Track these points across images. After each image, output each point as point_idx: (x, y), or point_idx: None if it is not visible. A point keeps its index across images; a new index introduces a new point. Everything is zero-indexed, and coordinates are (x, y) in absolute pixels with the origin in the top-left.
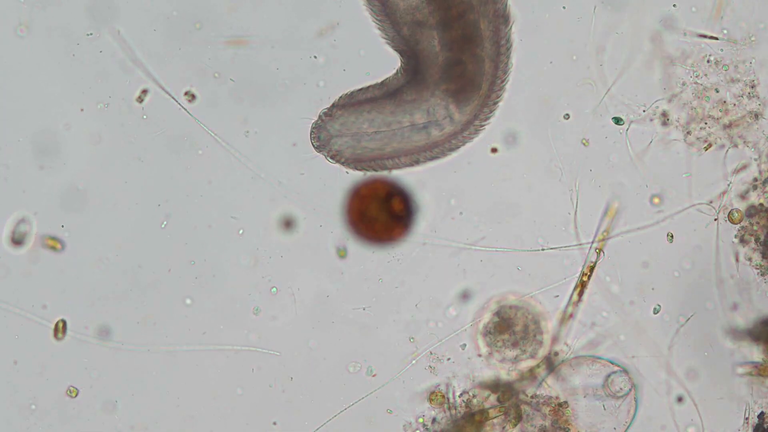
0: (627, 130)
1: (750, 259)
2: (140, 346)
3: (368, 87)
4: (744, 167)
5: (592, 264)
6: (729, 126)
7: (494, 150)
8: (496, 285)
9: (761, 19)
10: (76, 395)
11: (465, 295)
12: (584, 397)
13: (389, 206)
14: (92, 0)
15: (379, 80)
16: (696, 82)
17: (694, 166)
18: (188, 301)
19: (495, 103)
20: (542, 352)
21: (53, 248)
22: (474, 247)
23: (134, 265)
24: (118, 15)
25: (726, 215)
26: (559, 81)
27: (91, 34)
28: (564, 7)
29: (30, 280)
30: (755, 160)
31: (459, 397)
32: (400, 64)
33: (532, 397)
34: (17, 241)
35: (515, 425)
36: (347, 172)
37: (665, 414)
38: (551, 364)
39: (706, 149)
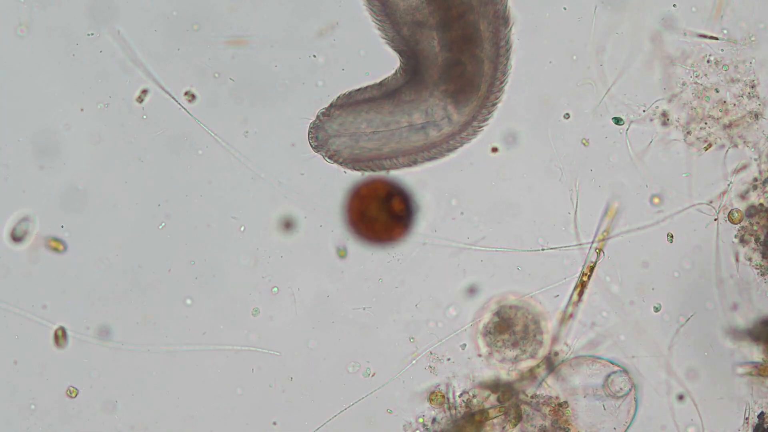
0: (627, 130)
1: (750, 259)
2: (140, 346)
3: (366, 87)
4: (744, 167)
5: (592, 264)
6: (729, 126)
7: (495, 149)
8: (496, 285)
9: (761, 19)
10: (76, 395)
11: (472, 290)
12: (584, 397)
13: (389, 206)
14: (92, 0)
15: (378, 80)
16: (696, 82)
17: (694, 166)
18: (188, 302)
19: (493, 105)
20: (542, 352)
21: (56, 249)
22: (474, 247)
23: (134, 265)
24: (118, 15)
25: (726, 215)
26: (559, 81)
27: (92, 34)
28: (565, 8)
29: (30, 280)
30: (755, 160)
31: (459, 397)
32: (399, 64)
33: (532, 397)
34: (17, 237)
35: (515, 425)
36: (345, 172)
37: (665, 414)
38: (551, 364)
39: (706, 149)
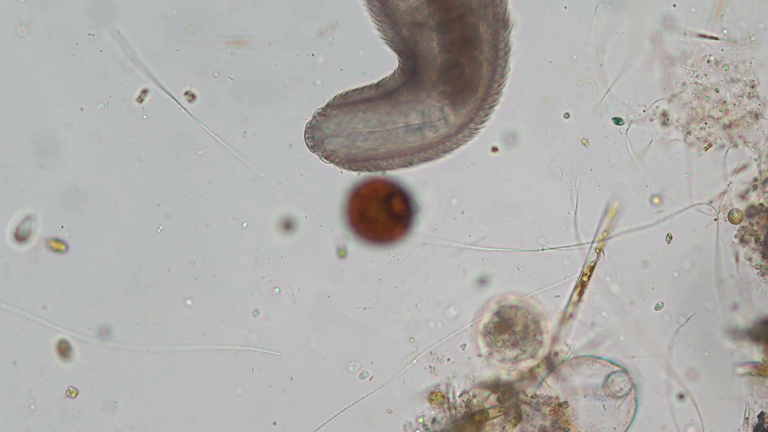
0: (627, 130)
1: (750, 259)
2: (140, 346)
3: (363, 87)
4: (744, 167)
5: (592, 264)
6: (729, 126)
7: (495, 149)
8: (496, 285)
9: (761, 19)
10: (76, 395)
11: (482, 281)
12: (584, 397)
13: (389, 206)
14: (92, 0)
15: (375, 81)
16: (696, 82)
17: (694, 166)
18: (188, 302)
19: (491, 107)
20: (542, 352)
21: (57, 250)
22: (474, 247)
23: (134, 265)
24: (118, 15)
25: (726, 215)
26: (559, 81)
27: (92, 34)
28: (565, 7)
29: (30, 280)
30: (755, 160)
31: (459, 397)
32: (397, 65)
33: (532, 397)
34: (21, 237)
35: (515, 425)
36: (341, 172)
37: (665, 414)
38: (551, 364)
39: (706, 149)
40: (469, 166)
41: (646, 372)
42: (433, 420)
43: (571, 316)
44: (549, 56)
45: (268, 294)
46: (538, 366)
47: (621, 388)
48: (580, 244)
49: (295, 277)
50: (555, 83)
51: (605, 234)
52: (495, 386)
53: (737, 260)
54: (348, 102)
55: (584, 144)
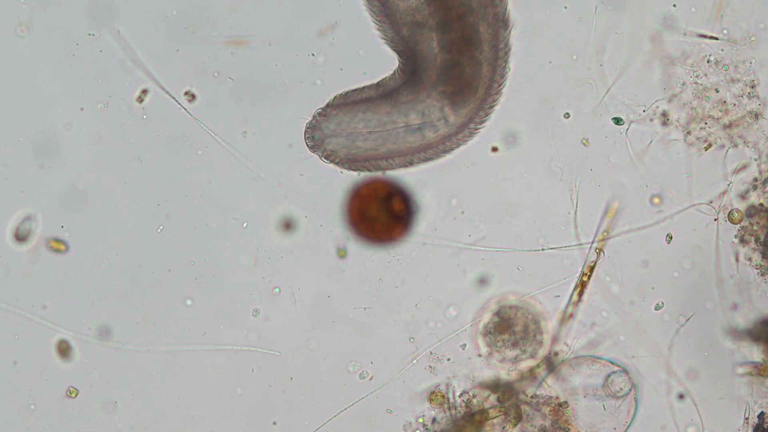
0: (627, 130)
1: (750, 259)
2: (140, 346)
3: (363, 87)
4: (744, 167)
5: (592, 264)
6: (729, 126)
7: (495, 149)
8: (496, 285)
9: (761, 19)
10: (76, 395)
11: (482, 281)
12: (584, 397)
13: (389, 206)
14: (92, 0)
15: (375, 81)
16: (696, 82)
17: (694, 166)
18: (188, 302)
19: (491, 107)
20: (542, 352)
21: (57, 250)
22: (474, 247)
23: (134, 265)
24: (118, 15)
25: (726, 215)
26: (559, 81)
27: (92, 34)
28: (565, 7)
29: (30, 280)
30: (755, 160)
31: (459, 397)
32: (397, 65)
33: (532, 397)
34: (21, 237)
35: (515, 425)
36: (341, 172)
37: (665, 414)
38: (551, 364)
39: (706, 149)
40: (469, 166)
41: (646, 372)
42: (433, 420)
43: (571, 316)
44: (549, 56)
45: (268, 294)
46: (538, 366)
47: (621, 388)
48: (580, 244)
49: (295, 277)
50: (555, 83)
51: (605, 234)
52: (495, 386)
53: (737, 260)
54: (348, 102)
55: (584, 144)
